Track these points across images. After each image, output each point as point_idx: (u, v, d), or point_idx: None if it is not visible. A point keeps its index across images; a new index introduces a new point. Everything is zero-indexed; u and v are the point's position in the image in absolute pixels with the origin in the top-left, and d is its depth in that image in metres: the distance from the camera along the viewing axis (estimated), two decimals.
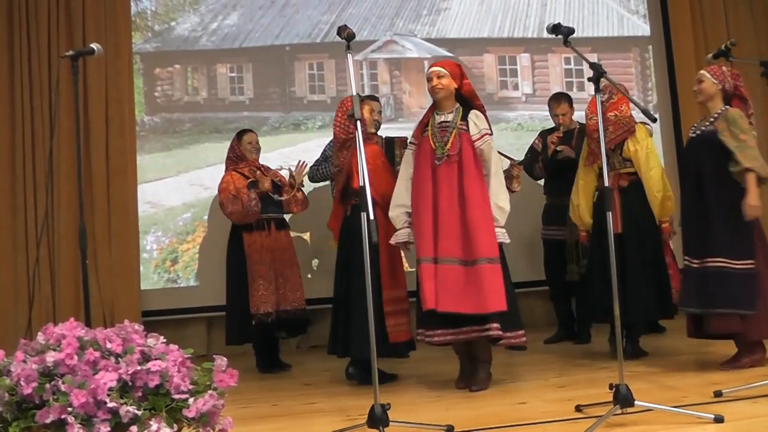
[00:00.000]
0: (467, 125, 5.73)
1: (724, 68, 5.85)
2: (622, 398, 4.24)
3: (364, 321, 4.66)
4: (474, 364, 5.78)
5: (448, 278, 5.50)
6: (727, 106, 5.72)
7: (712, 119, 5.79)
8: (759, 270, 5.59)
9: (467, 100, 5.88)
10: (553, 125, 7.73)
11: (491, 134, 5.79)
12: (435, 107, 5.88)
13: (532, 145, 7.80)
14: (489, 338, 5.57)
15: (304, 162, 7.22)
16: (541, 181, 7.85)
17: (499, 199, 5.63)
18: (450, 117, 5.78)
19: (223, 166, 7.26)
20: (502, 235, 5.60)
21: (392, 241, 5.81)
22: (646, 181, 6.47)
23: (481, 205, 5.56)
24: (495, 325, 5.47)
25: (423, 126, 5.88)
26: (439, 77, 5.76)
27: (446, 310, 5.46)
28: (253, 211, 6.88)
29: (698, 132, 5.88)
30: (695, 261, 5.73)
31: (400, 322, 6.10)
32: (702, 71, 5.90)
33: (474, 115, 5.77)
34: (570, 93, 8.57)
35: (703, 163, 5.73)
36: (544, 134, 7.74)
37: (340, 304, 6.20)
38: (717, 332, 5.74)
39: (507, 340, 5.60)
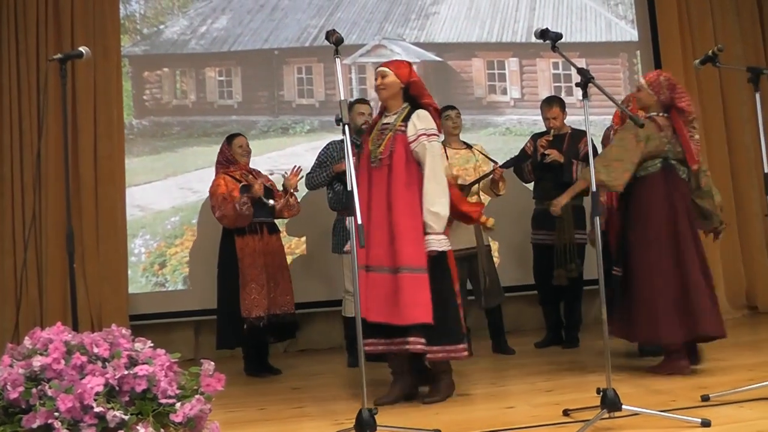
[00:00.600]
0: (407, 126, 5.47)
1: (661, 78, 5.99)
2: (610, 402, 4.25)
3: None
4: (415, 379, 5.59)
5: (377, 287, 5.27)
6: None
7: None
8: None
9: (415, 100, 5.61)
10: (545, 129, 7.74)
11: (436, 134, 5.48)
12: (383, 109, 5.72)
13: (523, 147, 7.81)
14: (410, 351, 5.31)
15: (299, 167, 7.22)
16: (531, 185, 7.85)
17: (434, 204, 5.28)
18: (393, 119, 5.55)
19: (212, 170, 7.26)
20: (436, 243, 5.27)
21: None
22: None
23: (406, 212, 5.28)
24: (413, 338, 5.22)
25: (371, 128, 5.74)
26: (383, 77, 5.56)
27: (374, 320, 5.22)
28: (245, 215, 6.86)
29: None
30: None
31: None
32: (641, 80, 6.02)
33: (416, 116, 5.46)
34: None
35: None
36: (536, 137, 7.74)
37: None
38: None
39: (435, 354, 5.30)
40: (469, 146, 7.55)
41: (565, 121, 7.65)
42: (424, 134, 5.38)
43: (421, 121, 5.43)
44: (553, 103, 7.66)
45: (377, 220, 5.36)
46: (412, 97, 5.59)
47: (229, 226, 7.00)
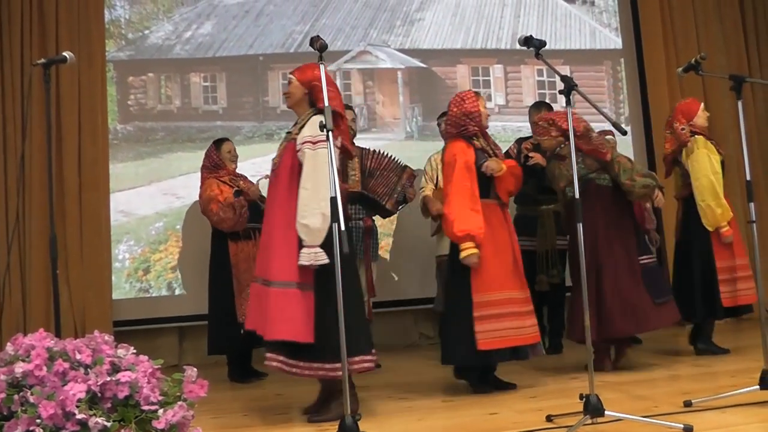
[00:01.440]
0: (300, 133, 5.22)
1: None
2: (593, 408, 4.26)
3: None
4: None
5: (257, 298, 5.17)
6: None
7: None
8: None
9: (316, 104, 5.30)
10: (530, 134, 7.76)
11: (324, 141, 4.85)
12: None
13: (507, 151, 7.82)
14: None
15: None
16: None
17: (304, 215, 4.96)
18: (294, 127, 5.35)
19: (197, 175, 7.25)
20: (306, 257, 4.96)
21: None
22: (693, 190, 6.84)
23: (282, 223, 5.07)
24: (271, 355, 5.08)
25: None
26: (288, 83, 5.39)
27: (249, 328, 5.19)
28: (243, 219, 6.87)
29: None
30: None
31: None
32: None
33: (309, 122, 5.15)
34: None
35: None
36: (520, 141, 7.77)
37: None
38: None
39: (303, 371, 5.07)
40: None
41: None
42: (309, 141, 5.07)
43: (309, 127, 5.13)
44: (541, 108, 7.69)
45: (264, 231, 5.30)
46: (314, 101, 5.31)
47: (228, 230, 6.97)
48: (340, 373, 4.44)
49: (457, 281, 5.81)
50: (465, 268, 5.69)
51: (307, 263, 4.94)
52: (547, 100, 8.86)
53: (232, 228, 6.92)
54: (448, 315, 6.00)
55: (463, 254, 5.63)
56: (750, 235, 5.08)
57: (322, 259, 4.92)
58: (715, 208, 6.72)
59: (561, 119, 6.35)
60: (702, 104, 7.05)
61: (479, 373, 5.96)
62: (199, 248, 7.21)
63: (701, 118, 6.95)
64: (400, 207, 7.37)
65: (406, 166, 7.30)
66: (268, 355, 5.09)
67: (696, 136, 6.85)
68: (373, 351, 5.24)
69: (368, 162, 7.18)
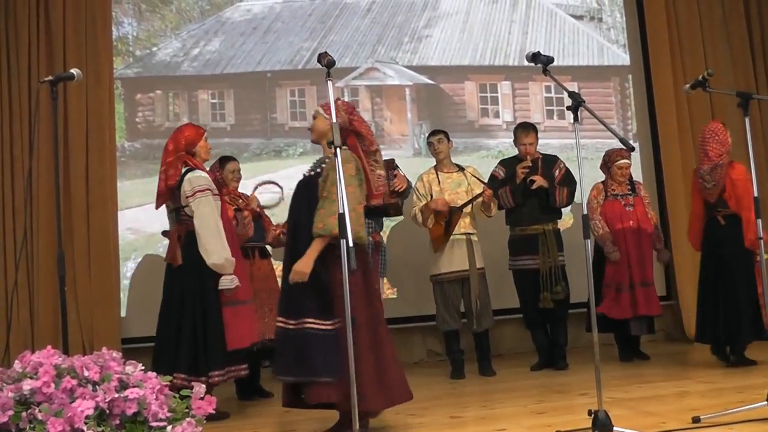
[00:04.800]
0: None
1: (339, 103, 5.30)
2: (601, 424, 4.25)
3: None
4: None
5: None
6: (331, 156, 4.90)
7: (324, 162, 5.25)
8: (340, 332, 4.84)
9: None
10: (513, 155, 7.79)
11: (208, 190, 5.98)
12: None
13: (492, 173, 7.81)
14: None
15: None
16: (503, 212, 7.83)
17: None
18: None
19: None
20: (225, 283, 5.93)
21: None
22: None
23: None
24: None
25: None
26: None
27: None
28: (247, 232, 6.87)
29: (307, 174, 5.39)
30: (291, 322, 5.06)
31: None
32: (317, 107, 5.48)
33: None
34: (550, 120, 8.69)
35: (299, 211, 5.21)
36: (506, 163, 7.78)
37: None
38: (313, 402, 5.05)
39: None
40: (461, 169, 7.60)
41: (536, 147, 7.72)
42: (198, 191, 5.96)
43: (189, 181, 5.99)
44: (529, 130, 7.69)
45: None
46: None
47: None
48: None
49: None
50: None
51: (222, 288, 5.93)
52: (554, 117, 8.87)
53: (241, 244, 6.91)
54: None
55: None
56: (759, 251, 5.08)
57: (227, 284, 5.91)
58: None
59: (357, 119, 5.42)
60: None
61: None
62: None
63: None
64: (399, 199, 7.28)
65: (389, 159, 7.22)
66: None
67: None
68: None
69: None
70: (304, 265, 4.87)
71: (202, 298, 5.95)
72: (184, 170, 6.05)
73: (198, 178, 5.97)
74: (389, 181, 7.19)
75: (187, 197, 5.95)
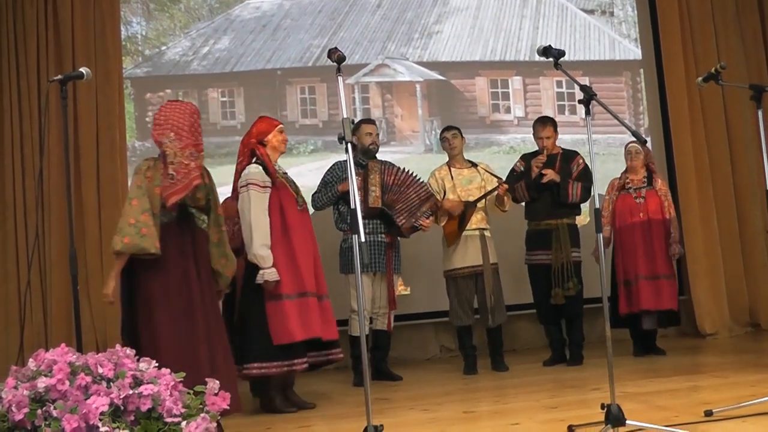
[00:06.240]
0: None
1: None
2: (614, 418, 4.25)
3: None
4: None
5: (317, 310, 6.17)
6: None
7: None
8: None
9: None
10: (535, 149, 7.76)
11: (255, 184, 6.04)
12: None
13: (513, 167, 7.82)
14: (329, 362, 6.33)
15: None
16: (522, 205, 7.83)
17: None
18: None
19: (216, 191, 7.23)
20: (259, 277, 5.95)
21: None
22: None
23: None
24: (337, 349, 6.28)
25: None
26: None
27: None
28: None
29: None
30: None
31: None
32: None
33: None
34: (562, 116, 8.67)
35: None
36: (526, 157, 7.76)
37: None
38: None
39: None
40: (474, 165, 7.59)
41: (557, 141, 7.68)
42: (242, 185, 6.10)
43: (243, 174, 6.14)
44: (547, 123, 7.66)
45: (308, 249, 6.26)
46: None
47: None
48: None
49: None
50: None
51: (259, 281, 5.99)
52: (566, 112, 8.86)
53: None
54: None
55: None
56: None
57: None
58: None
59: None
60: None
61: None
62: None
63: None
64: (412, 234, 7.32)
65: (432, 195, 7.26)
66: (336, 350, 6.21)
67: None
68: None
69: (389, 178, 7.15)
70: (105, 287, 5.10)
71: (243, 292, 6.06)
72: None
73: (249, 172, 6.04)
74: (421, 213, 7.17)
75: (240, 188, 6.05)
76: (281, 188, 6.09)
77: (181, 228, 5.13)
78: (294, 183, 6.35)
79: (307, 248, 6.12)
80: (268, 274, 5.88)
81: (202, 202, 5.22)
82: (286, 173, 6.31)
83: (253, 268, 5.93)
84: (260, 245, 5.90)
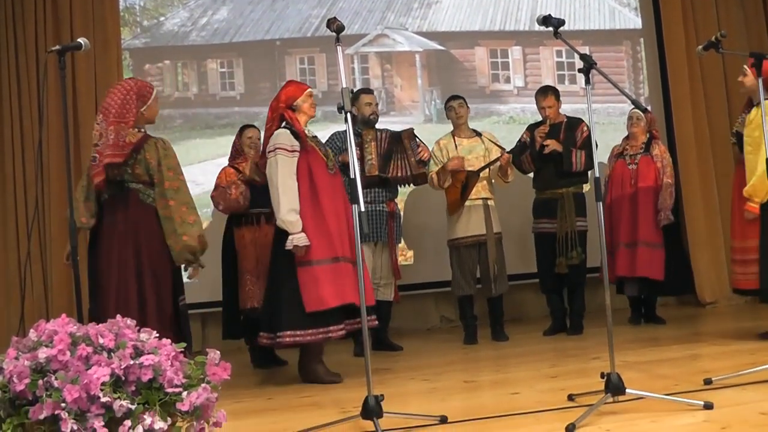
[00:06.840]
0: None
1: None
2: (614, 387, 4.26)
3: None
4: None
5: (351, 275, 5.91)
6: None
7: None
8: None
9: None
10: (537, 119, 7.75)
11: (282, 149, 5.92)
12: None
13: (520, 138, 7.81)
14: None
15: None
16: (531, 175, 7.83)
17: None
18: None
19: (215, 162, 7.28)
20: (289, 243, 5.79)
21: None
22: None
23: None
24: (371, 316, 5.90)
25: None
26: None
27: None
28: (237, 200, 6.82)
29: None
30: None
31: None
32: None
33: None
34: (561, 85, 8.65)
35: None
36: (532, 128, 7.73)
37: None
38: None
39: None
40: (478, 134, 7.57)
41: (560, 110, 7.66)
42: (270, 150, 5.99)
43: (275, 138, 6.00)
44: (548, 92, 7.65)
45: (338, 211, 6.03)
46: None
47: (224, 212, 6.99)
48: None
49: None
50: None
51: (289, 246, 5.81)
52: (566, 82, 8.84)
53: (228, 210, 6.91)
54: None
55: None
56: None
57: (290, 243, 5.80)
58: None
59: None
60: None
61: None
62: (219, 235, 7.19)
63: None
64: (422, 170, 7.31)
65: (400, 133, 7.28)
66: (371, 317, 5.90)
67: None
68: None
69: (384, 144, 7.17)
70: None
71: (273, 259, 6.04)
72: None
73: (277, 136, 5.97)
74: (413, 151, 7.20)
75: (267, 153, 6.01)
76: (311, 152, 5.96)
77: (115, 204, 5.54)
78: (324, 146, 6.29)
79: (338, 212, 5.96)
80: (297, 239, 5.73)
81: (144, 177, 5.48)
82: (315, 137, 6.20)
83: (283, 234, 5.82)
84: (288, 210, 5.77)
